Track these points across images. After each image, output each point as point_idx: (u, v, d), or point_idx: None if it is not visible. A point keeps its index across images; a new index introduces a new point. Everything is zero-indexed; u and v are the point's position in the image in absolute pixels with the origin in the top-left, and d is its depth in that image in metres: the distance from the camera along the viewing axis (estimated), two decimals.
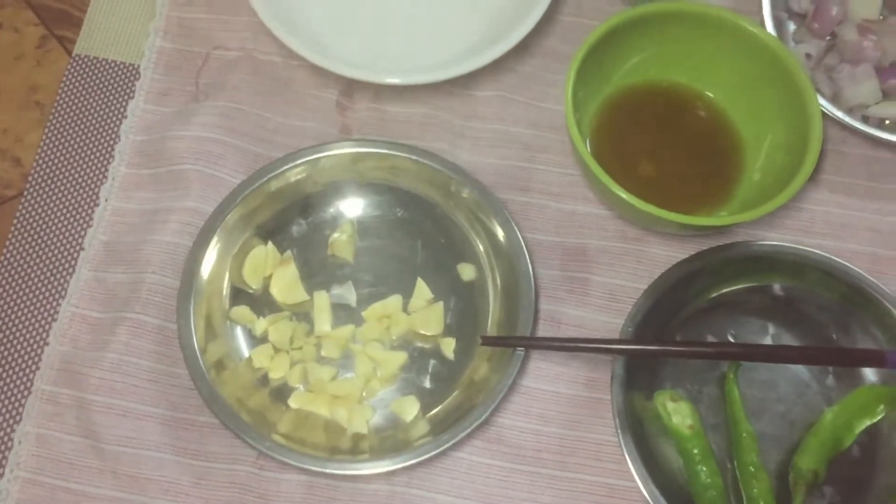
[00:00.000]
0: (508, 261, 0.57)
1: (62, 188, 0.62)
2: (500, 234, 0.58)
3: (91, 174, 0.62)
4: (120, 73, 0.65)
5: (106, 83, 0.65)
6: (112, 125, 0.64)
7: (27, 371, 0.57)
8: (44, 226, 0.61)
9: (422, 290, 0.58)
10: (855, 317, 0.56)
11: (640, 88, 0.62)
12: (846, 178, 0.62)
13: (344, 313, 0.58)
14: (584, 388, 0.57)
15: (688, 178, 0.61)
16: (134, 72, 0.65)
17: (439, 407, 0.56)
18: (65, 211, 0.61)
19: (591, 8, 0.67)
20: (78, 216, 0.61)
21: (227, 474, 0.54)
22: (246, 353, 0.57)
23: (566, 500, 0.54)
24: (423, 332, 0.57)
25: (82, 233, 0.60)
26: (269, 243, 0.59)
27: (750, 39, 0.59)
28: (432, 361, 0.57)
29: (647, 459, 0.52)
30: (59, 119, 0.64)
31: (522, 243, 0.57)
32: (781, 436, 0.56)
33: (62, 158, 0.63)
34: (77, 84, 0.65)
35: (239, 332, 0.57)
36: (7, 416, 0.56)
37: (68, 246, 0.60)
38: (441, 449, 0.52)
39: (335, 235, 0.59)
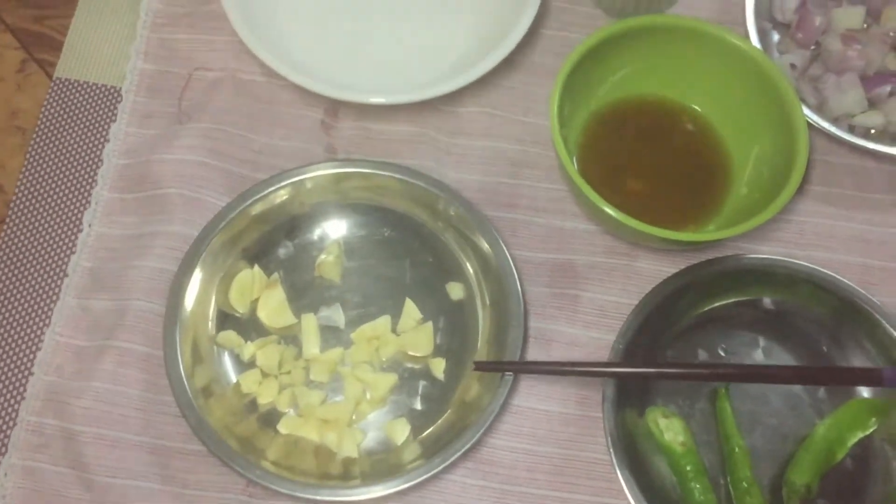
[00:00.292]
0: (497, 279, 0.57)
1: (45, 214, 0.61)
2: (489, 251, 0.57)
3: (74, 199, 0.62)
4: (102, 95, 0.65)
5: (88, 106, 0.64)
6: (95, 149, 0.63)
7: (12, 402, 0.56)
8: (27, 252, 0.60)
9: (411, 310, 0.58)
10: (846, 330, 0.56)
11: (626, 103, 0.62)
12: (834, 189, 0.62)
13: (332, 335, 0.58)
14: (576, 406, 0.56)
15: (676, 193, 0.60)
16: (116, 94, 0.65)
17: (431, 428, 0.55)
18: (48, 237, 0.60)
19: (575, 22, 0.66)
20: (61, 242, 0.60)
21: (217, 503, 0.53)
22: (234, 378, 0.56)
23: None
24: (412, 353, 0.57)
25: (66, 259, 0.60)
26: (256, 266, 0.58)
27: (734, 51, 0.59)
28: (422, 382, 0.57)
29: (640, 477, 0.52)
30: (41, 144, 0.63)
31: (510, 261, 0.57)
32: (774, 449, 0.56)
33: (45, 184, 0.62)
34: (58, 108, 0.64)
35: (226, 357, 0.57)
36: None
37: (52, 273, 0.59)
38: (433, 472, 0.52)
39: (322, 257, 0.59)
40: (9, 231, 0.60)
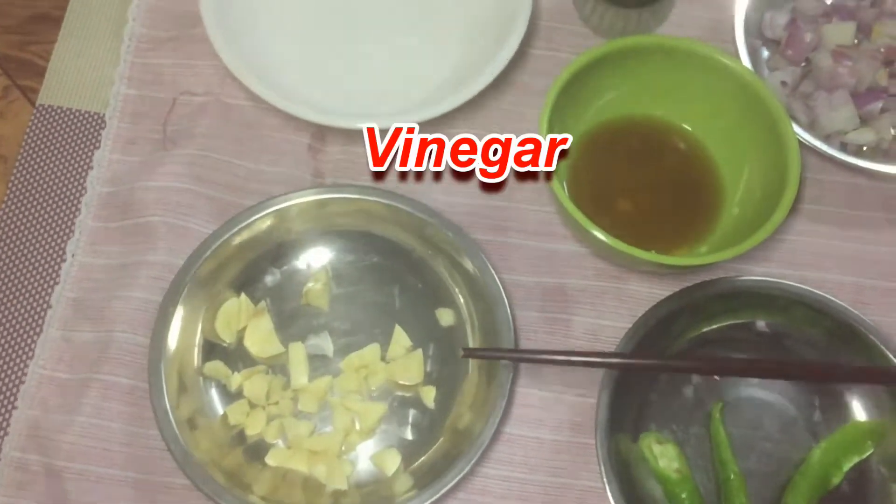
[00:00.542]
0: (487, 304, 0.56)
1: (28, 243, 0.60)
2: (478, 276, 0.56)
3: (57, 228, 0.61)
4: (85, 122, 0.64)
5: (71, 133, 0.63)
6: (78, 176, 0.62)
7: None
8: (9, 283, 0.59)
9: (400, 337, 0.57)
10: (841, 351, 0.55)
11: (616, 123, 0.61)
12: (826, 207, 0.62)
13: (321, 364, 0.57)
14: (569, 433, 0.56)
15: (667, 214, 0.60)
16: (99, 121, 0.64)
17: (422, 458, 0.55)
18: (31, 267, 0.60)
19: (564, 41, 0.66)
20: (44, 272, 0.59)
21: None
22: (221, 409, 0.55)
23: None
24: (402, 381, 0.56)
25: (49, 290, 0.59)
26: (242, 295, 0.58)
27: (723, 71, 0.58)
28: (412, 411, 0.56)
29: None
30: (24, 171, 0.62)
31: (500, 286, 0.56)
32: (770, 473, 0.55)
33: (27, 212, 0.61)
34: (41, 135, 0.63)
35: (213, 388, 0.56)
36: None
37: (35, 304, 0.59)
38: None
39: (309, 284, 0.58)
40: None
